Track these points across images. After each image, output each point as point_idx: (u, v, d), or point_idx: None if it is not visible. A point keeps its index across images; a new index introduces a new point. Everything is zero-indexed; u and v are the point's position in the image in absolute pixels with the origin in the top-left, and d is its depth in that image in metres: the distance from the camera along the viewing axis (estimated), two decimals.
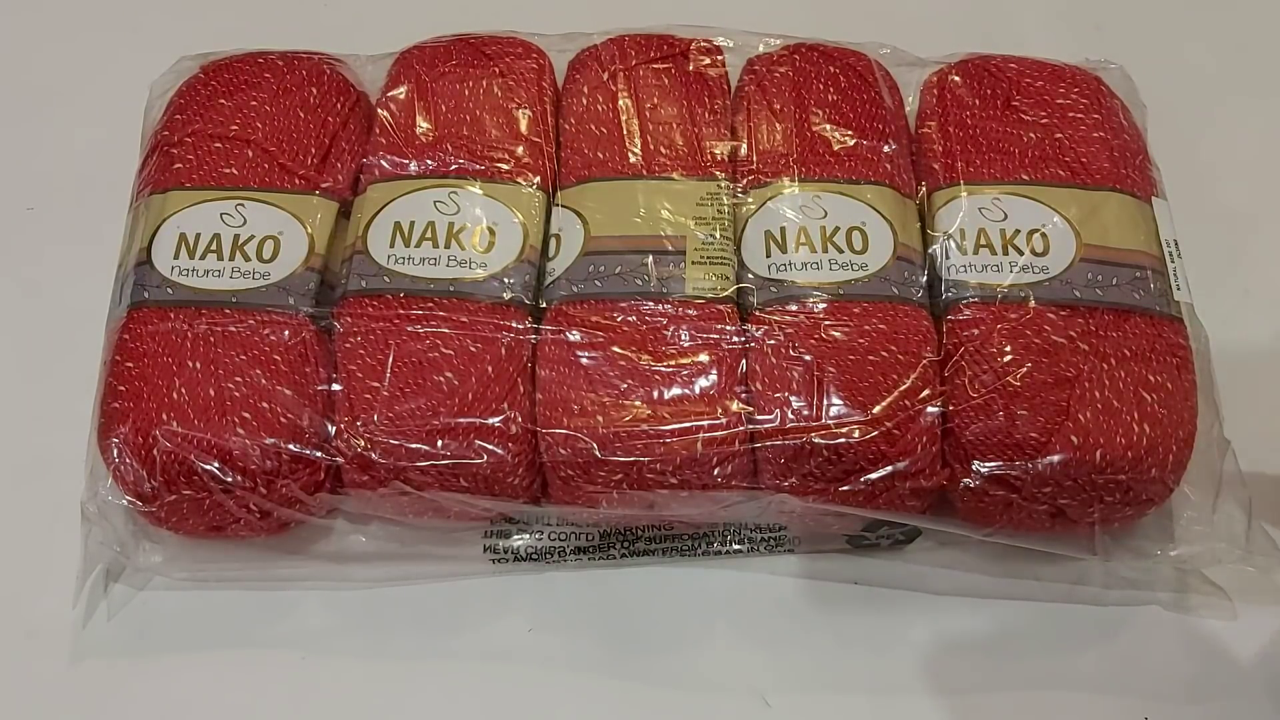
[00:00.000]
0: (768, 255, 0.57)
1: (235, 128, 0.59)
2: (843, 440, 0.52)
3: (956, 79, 0.62)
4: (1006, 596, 0.57)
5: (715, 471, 0.53)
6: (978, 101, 0.61)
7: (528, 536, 0.58)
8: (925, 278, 0.57)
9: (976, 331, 0.54)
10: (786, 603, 0.57)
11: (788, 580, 0.58)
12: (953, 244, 0.57)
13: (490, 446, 0.53)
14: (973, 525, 0.56)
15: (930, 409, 0.53)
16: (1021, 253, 0.56)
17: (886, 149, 0.59)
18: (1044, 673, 0.56)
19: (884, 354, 0.53)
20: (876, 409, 0.52)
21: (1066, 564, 0.57)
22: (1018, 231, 0.56)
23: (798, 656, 0.56)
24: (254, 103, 0.60)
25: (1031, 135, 0.59)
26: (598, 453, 0.52)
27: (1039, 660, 0.56)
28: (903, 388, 0.53)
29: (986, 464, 0.53)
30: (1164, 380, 0.53)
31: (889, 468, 0.52)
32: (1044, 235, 0.56)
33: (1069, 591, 0.57)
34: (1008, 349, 0.54)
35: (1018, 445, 0.52)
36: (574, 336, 0.54)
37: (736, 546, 0.58)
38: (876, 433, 0.52)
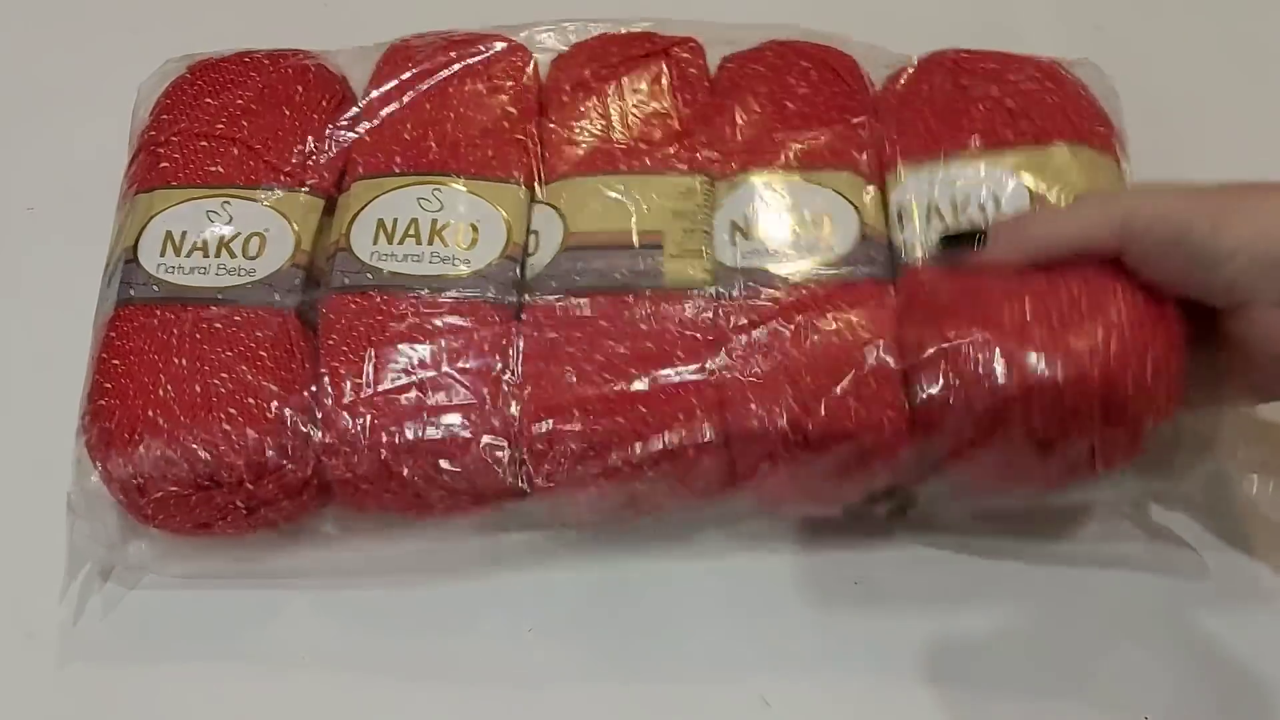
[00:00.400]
0: (735, 245, 0.57)
1: (221, 126, 0.60)
2: (813, 419, 0.52)
3: (911, 68, 0.62)
4: (1006, 595, 0.57)
5: (694, 459, 0.53)
6: (927, 87, 0.61)
7: (526, 536, 0.57)
8: (890, 257, 0.57)
9: (924, 289, 0.54)
10: (786, 603, 0.57)
11: (788, 580, 0.58)
12: (908, 220, 0.57)
13: (474, 440, 0.53)
14: (968, 486, 0.55)
15: (892, 374, 0.52)
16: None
17: (855, 138, 0.59)
18: (1046, 670, 0.55)
19: (850, 336, 0.53)
20: (842, 386, 0.52)
21: (1066, 553, 0.57)
22: (968, 199, 0.56)
23: (798, 656, 0.56)
24: (239, 101, 0.61)
25: (980, 107, 0.59)
26: (580, 445, 0.52)
27: (1040, 659, 0.55)
28: (870, 365, 0.52)
29: (932, 388, 0.51)
30: (1129, 293, 0.50)
31: (859, 441, 0.52)
32: (996, 199, 0.56)
33: (1072, 575, 0.57)
34: (954, 298, 0.52)
35: (975, 379, 0.50)
36: (554, 332, 0.55)
37: (733, 544, 0.58)
38: (846, 409, 0.52)
